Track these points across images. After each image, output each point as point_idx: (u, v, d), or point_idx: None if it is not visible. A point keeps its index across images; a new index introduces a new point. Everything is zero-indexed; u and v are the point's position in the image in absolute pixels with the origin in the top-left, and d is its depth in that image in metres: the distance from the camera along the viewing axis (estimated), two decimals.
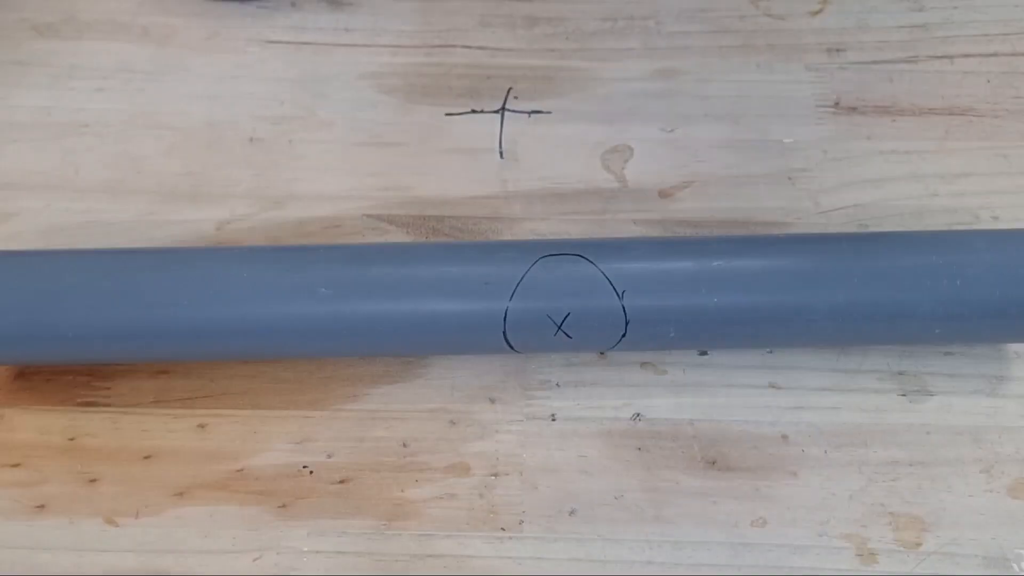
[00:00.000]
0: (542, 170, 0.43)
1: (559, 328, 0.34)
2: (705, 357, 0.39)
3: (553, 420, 0.37)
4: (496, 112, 0.44)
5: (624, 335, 0.34)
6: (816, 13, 0.46)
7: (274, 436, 0.38)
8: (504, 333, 0.34)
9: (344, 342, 0.35)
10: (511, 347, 0.35)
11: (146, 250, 0.37)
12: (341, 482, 0.37)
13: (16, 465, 0.38)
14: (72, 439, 0.39)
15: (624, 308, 0.34)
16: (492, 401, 0.38)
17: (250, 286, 0.34)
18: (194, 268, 0.35)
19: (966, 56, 0.47)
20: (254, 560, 0.36)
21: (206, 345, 0.35)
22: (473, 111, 0.44)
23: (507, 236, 0.41)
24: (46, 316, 0.35)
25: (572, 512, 0.36)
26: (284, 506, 0.37)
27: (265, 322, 0.34)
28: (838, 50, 0.45)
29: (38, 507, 0.37)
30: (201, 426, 0.38)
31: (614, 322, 0.34)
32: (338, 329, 0.34)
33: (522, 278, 0.34)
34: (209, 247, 0.39)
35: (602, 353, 0.39)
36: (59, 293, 0.35)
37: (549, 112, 0.45)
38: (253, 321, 0.34)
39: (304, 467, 0.37)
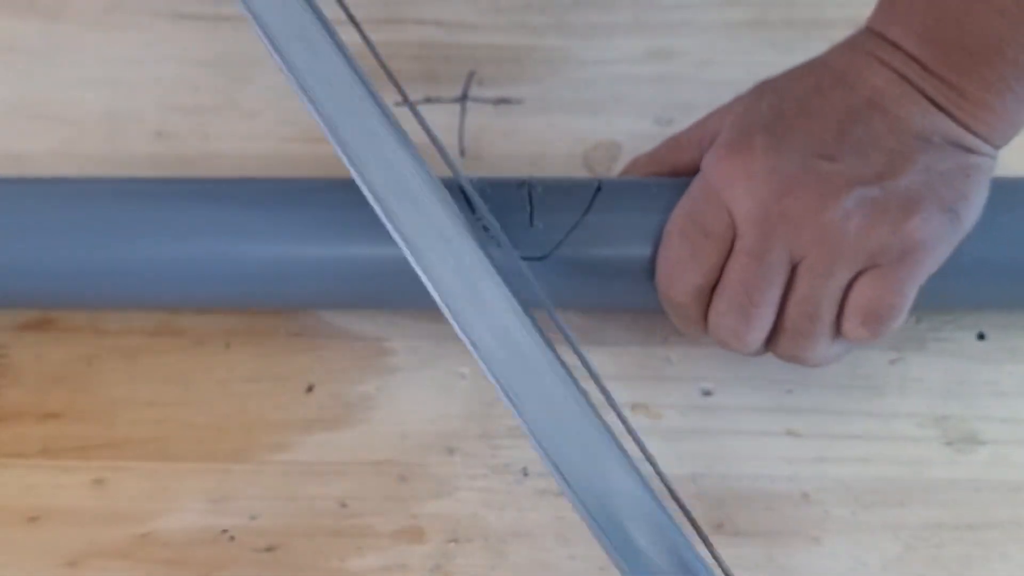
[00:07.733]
0: (511, 171, 0.40)
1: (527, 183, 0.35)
2: (709, 398, 0.38)
3: (525, 475, 0.36)
4: (456, 101, 0.43)
5: (599, 189, 0.35)
6: None
7: (186, 493, 0.37)
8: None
9: None
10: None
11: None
12: (268, 549, 0.36)
13: None
14: None
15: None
16: (451, 451, 0.37)
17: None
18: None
19: None
20: None
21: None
22: (428, 100, 0.43)
23: None
24: None
25: None
26: None
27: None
28: None
29: None
30: (98, 481, 0.37)
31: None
32: None
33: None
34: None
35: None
36: None
37: (519, 101, 0.44)
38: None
39: (223, 531, 0.36)
